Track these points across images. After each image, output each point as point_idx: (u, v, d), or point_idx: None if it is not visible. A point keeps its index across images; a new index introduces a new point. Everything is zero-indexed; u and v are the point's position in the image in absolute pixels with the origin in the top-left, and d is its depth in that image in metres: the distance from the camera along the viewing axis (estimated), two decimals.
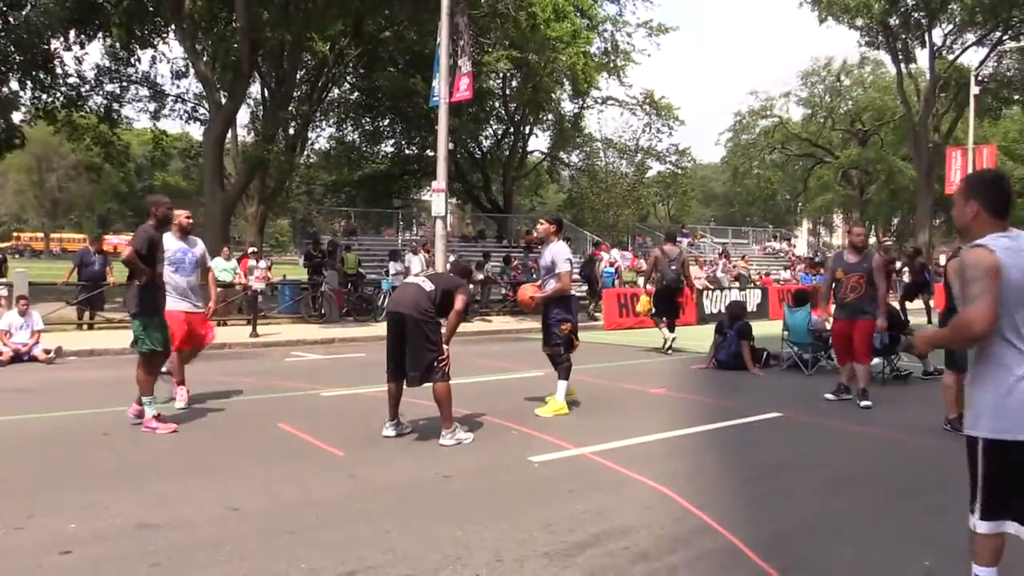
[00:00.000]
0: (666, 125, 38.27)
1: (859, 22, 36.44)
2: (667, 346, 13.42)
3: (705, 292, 20.93)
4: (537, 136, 38.98)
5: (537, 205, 46.89)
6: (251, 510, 4.74)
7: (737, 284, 23.93)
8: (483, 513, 4.71)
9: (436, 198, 16.95)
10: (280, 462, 5.88)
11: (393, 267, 18.54)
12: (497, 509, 4.80)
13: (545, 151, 39.03)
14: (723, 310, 16.65)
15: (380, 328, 16.32)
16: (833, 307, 8.91)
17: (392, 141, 34.59)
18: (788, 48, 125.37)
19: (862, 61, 51.38)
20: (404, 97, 28.73)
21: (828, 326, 9.83)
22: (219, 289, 16.58)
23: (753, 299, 21.67)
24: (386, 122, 33.60)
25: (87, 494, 4.99)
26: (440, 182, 16.71)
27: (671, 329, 13.49)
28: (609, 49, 31.32)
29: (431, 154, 31.82)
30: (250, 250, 17.45)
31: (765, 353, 11.52)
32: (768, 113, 54.44)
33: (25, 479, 5.40)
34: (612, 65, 31.84)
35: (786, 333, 11.51)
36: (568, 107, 34.96)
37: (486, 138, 34.79)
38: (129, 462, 5.90)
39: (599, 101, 35.81)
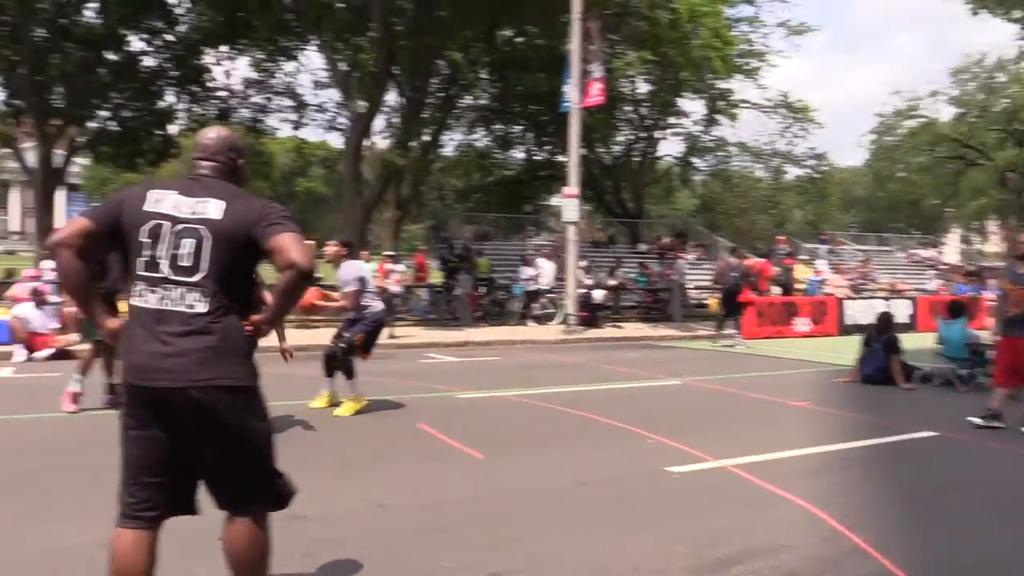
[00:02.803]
0: (803, 128, 36.89)
1: (1017, 14, 34.01)
2: (728, 343, 14.87)
3: (847, 302, 20.03)
4: (668, 140, 38.41)
5: (669, 211, 46.20)
6: (396, 507, 4.86)
7: (884, 293, 22.77)
8: (621, 523, 4.66)
9: (568, 203, 16.97)
10: (421, 461, 6.03)
11: (525, 272, 18.69)
12: (635, 519, 4.74)
13: (677, 156, 38.41)
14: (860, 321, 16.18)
15: (512, 332, 16.60)
16: (994, 321, 8.27)
17: (523, 146, 34.91)
18: (933, 46, 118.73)
19: (1020, 56, 47.89)
20: (536, 100, 28.94)
21: (988, 340, 9.17)
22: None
23: (902, 310, 20.56)
24: (517, 128, 33.94)
25: None
26: (572, 187, 16.72)
27: (731, 326, 15.34)
28: (745, 51, 30.49)
29: (562, 159, 31.92)
30: (387, 254, 18.01)
31: (917, 370, 10.87)
32: (914, 113, 51.55)
33: None
34: (748, 67, 30.98)
35: (940, 347, 10.85)
36: (703, 105, 34.19)
37: (617, 143, 34.57)
38: (282, 454, 6.16)
39: (733, 104, 34.93)
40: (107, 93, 23.59)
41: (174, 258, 2.67)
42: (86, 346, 9.23)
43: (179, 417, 2.68)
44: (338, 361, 8.02)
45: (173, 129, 26.40)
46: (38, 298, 12.09)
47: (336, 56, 23.23)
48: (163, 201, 2.72)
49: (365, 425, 7.42)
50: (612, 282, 20.11)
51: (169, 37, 23.99)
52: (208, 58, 25.20)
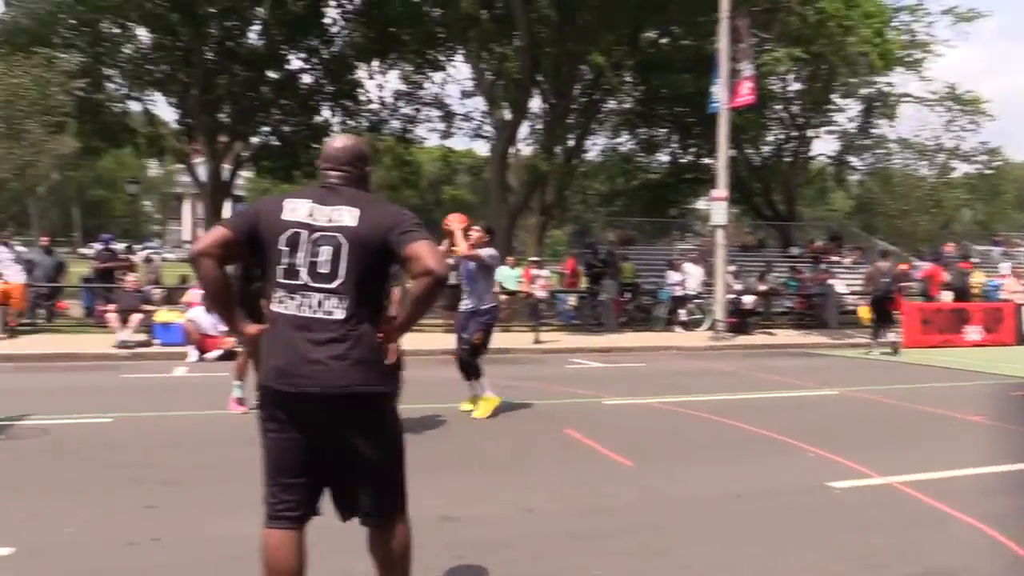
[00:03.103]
0: (972, 121, 34.33)
1: None
2: (887, 350, 14.27)
3: None
4: (822, 139, 36.70)
5: (826, 212, 44.14)
6: (545, 512, 4.85)
7: None
8: (779, 538, 4.46)
9: (716, 207, 16.54)
10: (570, 467, 6.00)
11: (671, 277, 18.37)
12: (794, 535, 4.52)
13: (831, 155, 36.66)
14: None
15: (658, 338, 16.34)
16: None
17: (668, 149, 34.33)
18: None
19: None
20: (681, 101, 28.43)
21: None
22: (504, 296, 17.62)
23: None
24: (662, 131, 33.44)
25: None
26: (720, 190, 16.29)
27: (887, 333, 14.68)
28: (906, 42, 28.76)
29: (708, 162, 31.14)
30: (532, 259, 18.15)
31: None
32: None
33: None
34: (910, 59, 29.20)
35: None
36: (859, 102, 32.48)
37: (766, 143, 33.41)
38: (434, 455, 6.32)
39: (894, 99, 33.00)
40: (269, 110, 25.03)
41: (312, 265, 2.73)
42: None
43: (318, 421, 2.76)
44: (466, 364, 8.04)
45: (326, 142, 27.64)
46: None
47: (482, 65, 23.67)
48: (299, 210, 2.79)
49: (513, 429, 7.47)
50: (762, 287, 19.44)
51: (325, 54, 25.17)
52: (361, 73, 26.28)
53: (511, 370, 11.73)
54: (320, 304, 2.72)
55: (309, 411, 2.73)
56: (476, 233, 7.76)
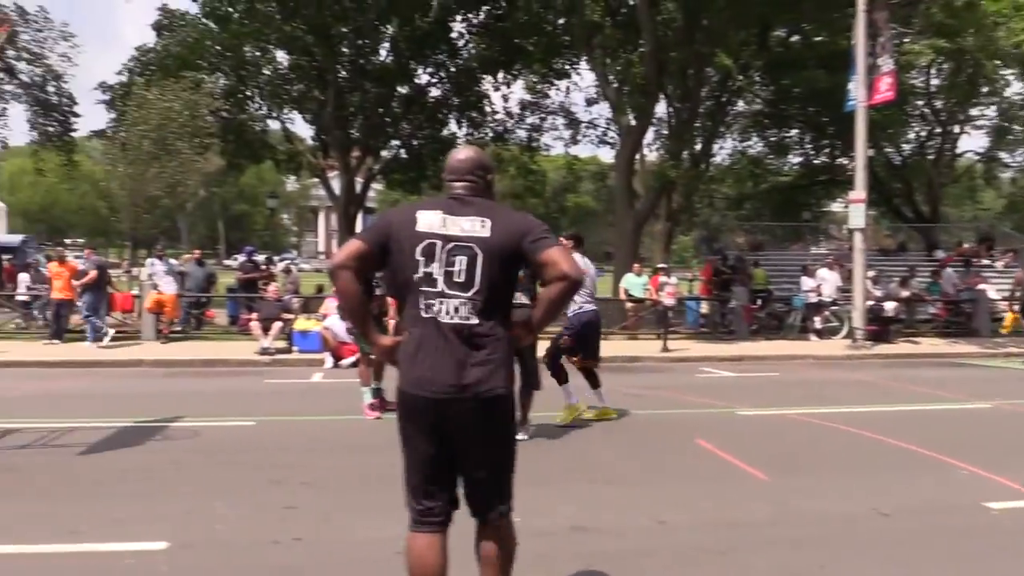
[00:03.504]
0: None
1: None
2: None
3: None
4: (970, 135, 34.48)
5: (975, 212, 41.44)
6: (677, 525, 4.74)
7: None
8: (929, 559, 4.19)
9: (853, 209, 15.82)
10: (701, 479, 5.86)
11: (806, 283, 17.68)
12: (946, 557, 4.24)
13: (980, 151, 34.43)
14: None
15: (792, 346, 15.76)
16: None
17: (799, 151, 33.16)
18: None
19: None
20: (814, 101, 27.41)
21: None
22: (631, 305, 17.47)
23: None
24: (793, 132, 32.34)
25: (526, 491, 5.38)
26: (858, 192, 15.58)
27: None
28: None
29: (843, 162, 29.84)
30: (659, 266, 17.89)
31: None
32: None
33: None
34: None
35: None
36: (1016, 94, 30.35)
37: (907, 141, 31.71)
38: (563, 464, 6.31)
39: None
40: (398, 124, 25.79)
41: (448, 275, 2.79)
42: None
43: (459, 425, 2.83)
44: (550, 366, 7.94)
45: None
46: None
47: (607, 72, 23.59)
48: (432, 221, 2.85)
49: (643, 439, 7.36)
50: (904, 293, 18.43)
51: (452, 68, 25.72)
52: (486, 85, 26.69)
53: (639, 379, 11.59)
54: (457, 311, 2.79)
55: (451, 416, 2.81)
56: (564, 242, 7.66)
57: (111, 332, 14.42)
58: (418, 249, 2.83)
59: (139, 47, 24.66)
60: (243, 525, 4.65)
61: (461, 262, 2.79)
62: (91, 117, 44.04)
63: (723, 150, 32.95)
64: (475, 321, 2.79)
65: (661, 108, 25.53)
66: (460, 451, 2.89)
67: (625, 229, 21.20)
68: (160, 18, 24.65)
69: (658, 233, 26.23)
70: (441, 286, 2.80)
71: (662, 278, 15.92)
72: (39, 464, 6.09)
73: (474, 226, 2.83)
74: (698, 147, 25.38)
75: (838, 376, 12.42)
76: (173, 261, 18.04)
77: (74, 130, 26.90)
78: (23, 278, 19.82)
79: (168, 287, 14.84)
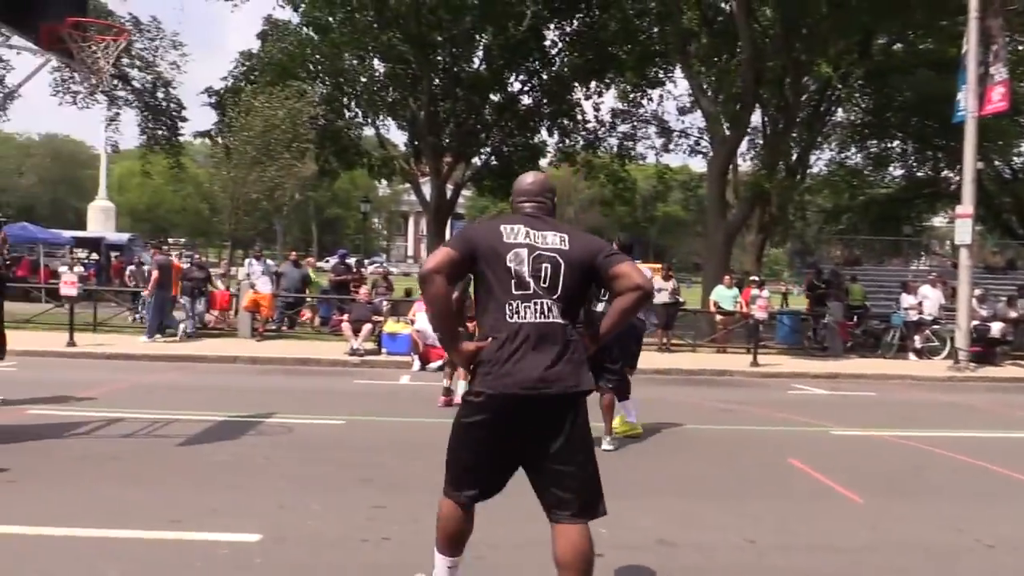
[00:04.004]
0: None
1: None
2: None
3: None
4: None
5: None
6: (768, 545, 4.61)
7: None
8: None
9: (960, 224, 15.16)
10: (793, 499, 5.69)
11: (906, 300, 17.02)
12: None
13: None
14: None
15: (889, 365, 15.19)
16: None
17: (901, 162, 32.02)
18: None
19: None
20: (917, 111, 26.42)
21: None
22: (721, 318, 17.16)
23: None
24: (894, 142, 31.25)
25: (615, 504, 5.30)
26: (965, 206, 14.92)
27: None
28: None
29: (948, 175, 28.68)
30: (751, 279, 17.50)
31: None
32: None
33: None
34: None
35: None
36: None
37: (1019, 154, 30.24)
38: (651, 476, 6.23)
39: None
40: (490, 131, 26.00)
41: (536, 279, 3.03)
42: None
43: (546, 421, 2.99)
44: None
45: (543, 162, 28.36)
46: None
47: (701, 81, 23.28)
48: (518, 234, 3.10)
49: (733, 455, 7.20)
50: (1013, 314, 17.53)
51: (544, 76, 25.80)
52: (578, 93, 26.66)
53: (728, 393, 11.38)
54: (549, 310, 3.00)
55: (539, 412, 2.97)
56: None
57: (183, 326, 14.96)
58: (508, 256, 3.03)
59: (243, 52, 25.61)
60: (333, 522, 4.74)
61: (545, 269, 3.04)
62: (197, 120, 46.16)
63: (820, 161, 32.10)
64: (562, 321, 3.01)
65: (756, 117, 25.07)
66: (543, 449, 3.01)
67: (716, 240, 20.84)
68: (265, 27, 25.54)
69: (749, 245, 25.67)
70: (533, 288, 3.01)
71: (754, 291, 15.56)
72: (141, 453, 6.36)
73: (555, 240, 3.11)
74: (794, 157, 24.77)
75: (939, 398, 11.91)
76: (270, 262, 18.62)
77: (181, 134, 28.17)
78: (129, 273, 20.81)
79: (264, 287, 15.32)
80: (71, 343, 13.21)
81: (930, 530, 5.04)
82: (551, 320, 2.99)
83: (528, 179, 3.37)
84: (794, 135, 24.06)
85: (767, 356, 15.41)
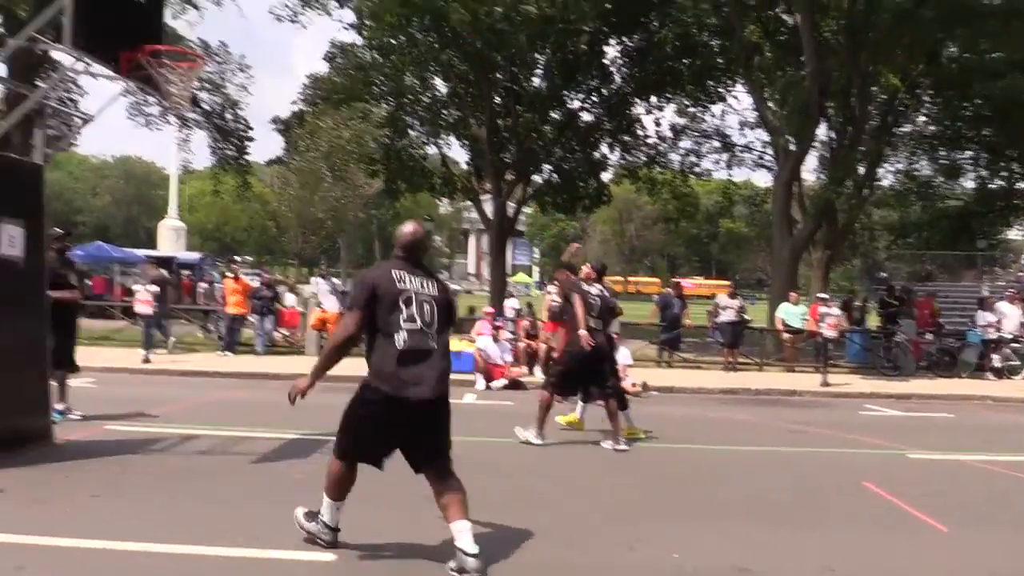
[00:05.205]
0: None
1: None
2: None
3: None
4: None
5: None
6: (847, 573, 4.48)
7: None
8: None
9: None
10: (871, 525, 5.51)
11: (983, 317, 16.46)
12: None
13: None
14: None
15: (966, 385, 14.68)
16: None
17: (974, 174, 31.03)
18: None
19: None
20: (991, 120, 25.62)
21: None
22: (788, 336, 16.79)
23: None
24: (967, 153, 30.31)
25: (687, 527, 5.28)
26: None
27: None
28: None
29: (1022, 187, 27.75)
30: (820, 296, 17.13)
31: None
32: None
33: (630, 505, 5.94)
34: None
35: None
36: None
37: None
38: (722, 499, 6.12)
39: None
40: (551, 148, 26.04)
41: (421, 316, 4.28)
42: (535, 378, 10.19)
43: (430, 414, 4.36)
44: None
45: (605, 177, 28.31)
46: (495, 333, 13.63)
47: (764, 95, 22.98)
48: (406, 280, 4.31)
49: (805, 478, 7.03)
50: None
51: (604, 92, 25.76)
52: (639, 108, 26.56)
53: (798, 413, 11.14)
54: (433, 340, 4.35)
55: (425, 409, 4.31)
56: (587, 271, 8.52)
57: (172, 340, 15.57)
58: (400, 300, 4.26)
59: (310, 75, 26.18)
60: (405, 541, 4.77)
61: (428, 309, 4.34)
62: (263, 144, 47.36)
63: (889, 173, 31.33)
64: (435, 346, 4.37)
65: (822, 130, 24.64)
66: (421, 432, 4.43)
67: (781, 256, 20.48)
68: (330, 50, 26.10)
69: (816, 261, 25.15)
70: (420, 324, 4.29)
71: (822, 308, 15.22)
72: (217, 470, 6.49)
73: (432, 285, 4.41)
74: (861, 171, 24.23)
75: (1022, 421, 11.46)
76: (336, 280, 18.92)
77: (248, 154, 28.88)
78: (200, 291, 21.35)
79: (331, 305, 15.56)
80: (146, 360, 13.60)
81: (1021, 562, 4.84)
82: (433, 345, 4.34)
83: (408, 230, 4.56)
84: (861, 147, 23.55)
85: (837, 375, 15.04)
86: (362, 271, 5.37)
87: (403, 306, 4.18)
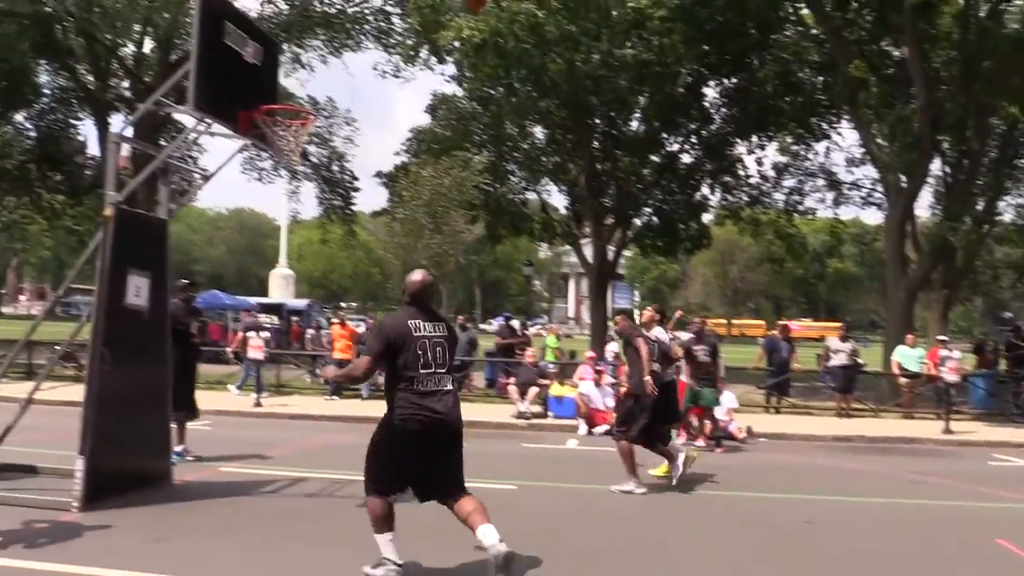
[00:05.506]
0: None
1: None
2: None
3: None
4: None
5: None
6: None
7: None
8: None
9: None
10: None
11: None
12: None
13: None
14: None
15: None
16: None
17: None
18: None
19: None
20: None
21: None
22: (905, 380, 16.02)
23: None
24: None
25: None
26: None
27: None
28: None
29: None
30: (940, 339, 16.28)
31: None
32: None
33: (733, 556, 5.72)
34: None
35: None
36: None
37: None
38: (835, 552, 5.84)
39: None
40: (650, 191, 25.91)
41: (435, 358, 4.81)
42: None
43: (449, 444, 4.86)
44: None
45: (706, 218, 27.93)
46: (597, 377, 13.51)
47: (872, 131, 22.28)
48: (422, 327, 4.81)
49: (931, 532, 6.64)
50: None
51: (704, 133, 25.52)
52: (740, 148, 26.18)
53: (918, 463, 10.57)
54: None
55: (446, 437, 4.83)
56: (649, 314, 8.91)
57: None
58: (415, 345, 4.77)
59: (413, 128, 26.99)
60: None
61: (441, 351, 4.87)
62: (368, 194, 49.14)
63: (1010, 207, 29.71)
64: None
65: (936, 165, 23.68)
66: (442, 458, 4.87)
67: (896, 297, 19.63)
68: (432, 102, 26.88)
69: (933, 301, 23.99)
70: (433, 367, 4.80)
71: (942, 351, 14.46)
72: (326, 513, 6.62)
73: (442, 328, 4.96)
74: (980, 206, 23.09)
75: None
76: None
77: (354, 204, 29.90)
78: (308, 336, 22.01)
79: None
80: (257, 403, 14.08)
81: None
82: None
83: (416, 278, 5.03)
84: (979, 181, 22.49)
85: (960, 422, 14.19)
86: (382, 319, 5.80)
87: (419, 353, 4.71)
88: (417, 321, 4.80)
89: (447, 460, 4.86)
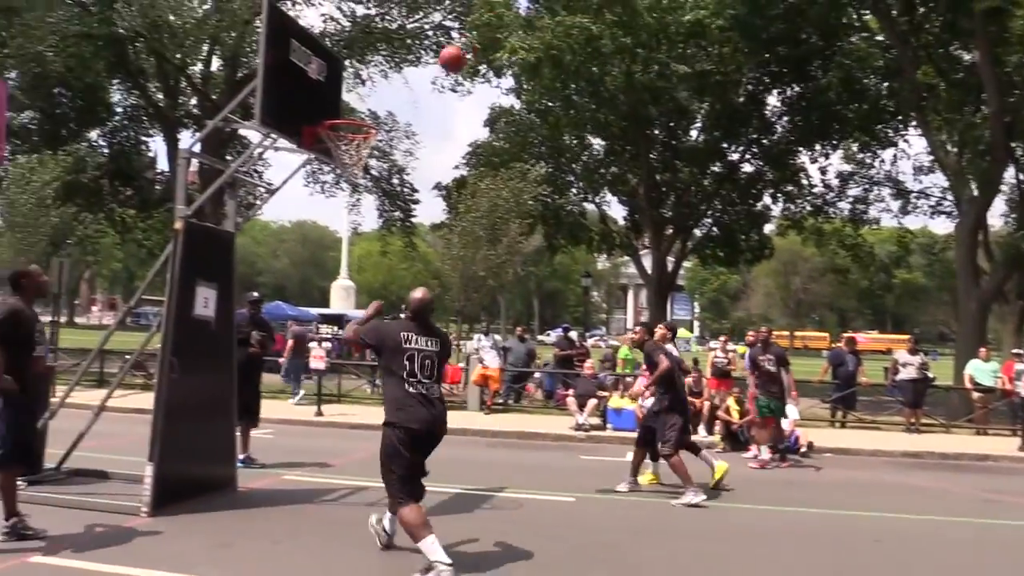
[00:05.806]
0: None
1: None
2: None
3: None
4: None
5: None
6: None
7: None
8: None
9: None
10: None
11: None
12: None
13: None
14: None
15: None
16: None
17: None
18: None
19: None
20: None
21: None
22: (978, 395, 15.50)
23: None
24: None
25: None
26: None
27: None
28: None
29: None
30: (1015, 351, 15.69)
31: None
32: None
33: (799, 574, 5.60)
34: None
35: None
36: None
37: None
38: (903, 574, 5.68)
39: None
40: (711, 201, 25.63)
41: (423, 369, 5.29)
42: (698, 437, 9.95)
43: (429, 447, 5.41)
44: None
45: (767, 228, 27.48)
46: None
47: (941, 137, 21.67)
48: (412, 340, 5.30)
49: (1007, 555, 6.40)
50: None
51: (765, 142, 25.14)
52: (802, 157, 25.72)
53: (993, 481, 10.19)
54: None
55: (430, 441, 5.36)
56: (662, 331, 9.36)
57: (301, 394, 16.32)
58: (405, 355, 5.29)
59: (472, 143, 27.22)
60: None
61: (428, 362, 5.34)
62: (427, 207, 49.77)
63: None
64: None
65: (1009, 173, 22.91)
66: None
67: (968, 309, 19.02)
68: (491, 115, 27.04)
69: (1007, 314, 23.18)
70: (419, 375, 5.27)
71: (1018, 365, 13.95)
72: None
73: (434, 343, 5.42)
74: None
75: None
76: (497, 337, 19.26)
77: (414, 216, 30.24)
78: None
79: (493, 362, 15.81)
80: (319, 413, 14.28)
81: None
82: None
83: (418, 295, 5.53)
84: None
85: None
86: (384, 321, 6.16)
87: (407, 362, 5.19)
88: (410, 333, 5.29)
89: (422, 463, 5.40)
